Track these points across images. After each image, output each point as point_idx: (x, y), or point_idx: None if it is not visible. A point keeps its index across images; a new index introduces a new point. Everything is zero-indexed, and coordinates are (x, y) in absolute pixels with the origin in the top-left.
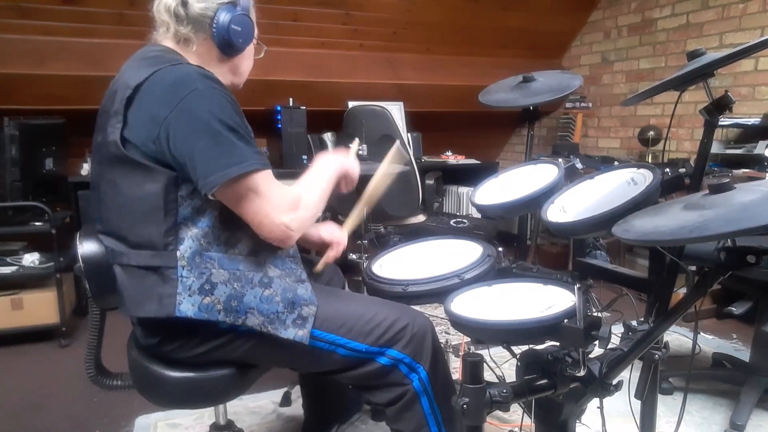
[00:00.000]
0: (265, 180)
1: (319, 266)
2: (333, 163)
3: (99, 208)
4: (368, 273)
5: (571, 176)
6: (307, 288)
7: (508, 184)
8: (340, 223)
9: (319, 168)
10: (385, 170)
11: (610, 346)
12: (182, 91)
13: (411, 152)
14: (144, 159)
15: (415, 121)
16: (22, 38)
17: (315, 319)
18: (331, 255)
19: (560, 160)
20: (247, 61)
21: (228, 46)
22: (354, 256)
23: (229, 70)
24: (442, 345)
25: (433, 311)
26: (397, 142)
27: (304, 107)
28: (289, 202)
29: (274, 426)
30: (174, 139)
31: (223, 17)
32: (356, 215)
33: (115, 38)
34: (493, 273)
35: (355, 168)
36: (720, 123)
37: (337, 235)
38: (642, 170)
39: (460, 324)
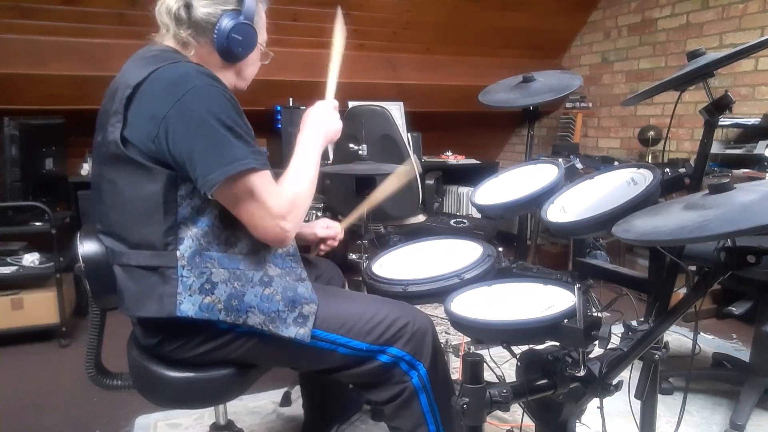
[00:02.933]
0: (262, 180)
1: (312, 254)
2: (318, 135)
3: (99, 208)
4: (368, 273)
5: (571, 176)
6: (307, 287)
7: (508, 184)
8: (340, 222)
9: (306, 147)
10: (393, 183)
11: (610, 346)
12: (181, 89)
13: (411, 152)
14: (144, 159)
15: (415, 121)
16: (22, 38)
17: (315, 319)
18: (323, 248)
19: (560, 160)
20: (251, 67)
21: (228, 54)
22: (354, 256)
23: (233, 74)
24: (442, 345)
25: (433, 311)
26: (412, 159)
27: (304, 107)
28: (284, 204)
29: (274, 426)
30: (173, 138)
31: (225, 24)
32: (356, 215)
33: (115, 38)
34: (493, 273)
35: (338, 126)
36: (720, 123)
37: (333, 230)
38: (642, 170)
39: (460, 324)
